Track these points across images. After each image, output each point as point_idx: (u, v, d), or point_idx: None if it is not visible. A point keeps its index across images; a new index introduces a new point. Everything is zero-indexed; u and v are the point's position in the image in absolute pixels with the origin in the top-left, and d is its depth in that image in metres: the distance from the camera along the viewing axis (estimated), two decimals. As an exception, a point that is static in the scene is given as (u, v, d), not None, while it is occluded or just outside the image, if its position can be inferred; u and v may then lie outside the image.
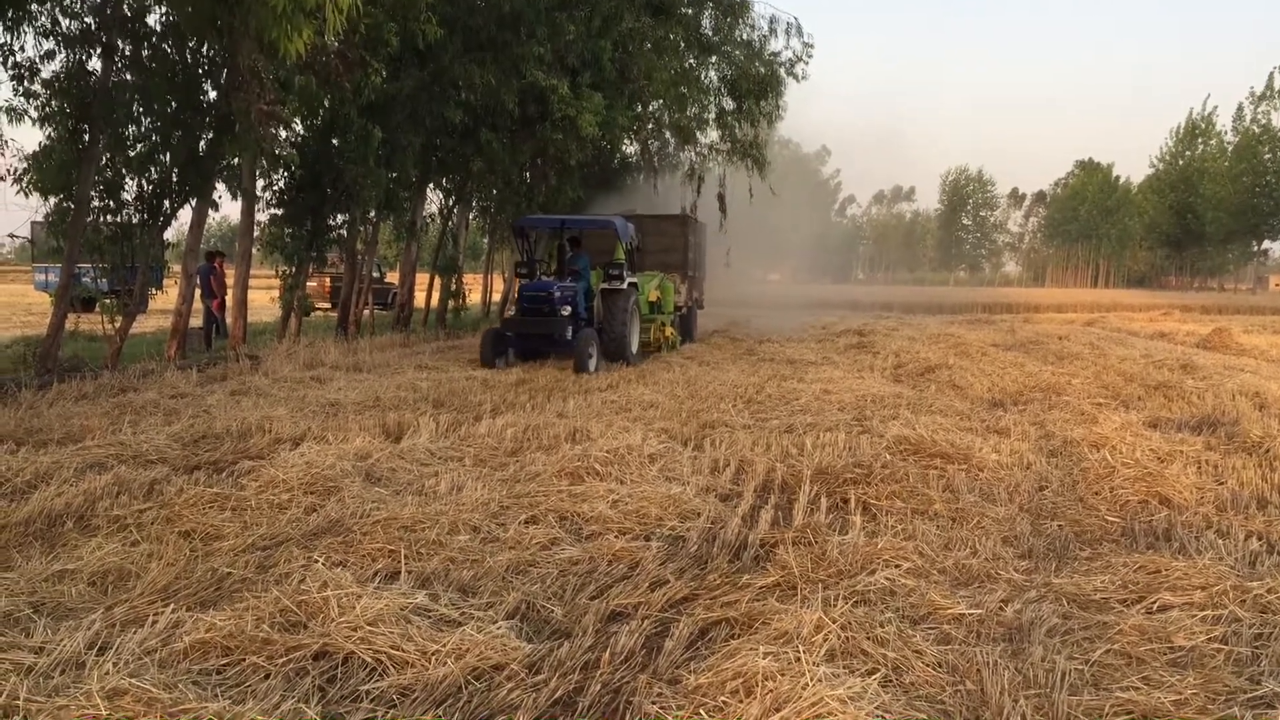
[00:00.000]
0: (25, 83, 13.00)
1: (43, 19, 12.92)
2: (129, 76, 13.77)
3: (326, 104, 17.01)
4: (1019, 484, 7.70)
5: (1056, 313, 45.17)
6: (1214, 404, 11.49)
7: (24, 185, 13.25)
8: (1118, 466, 7.79)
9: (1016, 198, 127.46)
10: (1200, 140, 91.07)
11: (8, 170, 13.09)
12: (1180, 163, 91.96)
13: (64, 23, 13.13)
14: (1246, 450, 8.95)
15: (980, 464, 8.10)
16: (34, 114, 13.10)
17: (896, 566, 5.48)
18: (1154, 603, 5.04)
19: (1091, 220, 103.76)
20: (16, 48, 12.78)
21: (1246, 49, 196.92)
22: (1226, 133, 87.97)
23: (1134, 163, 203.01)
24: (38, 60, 13.06)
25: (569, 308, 16.08)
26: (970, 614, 4.86)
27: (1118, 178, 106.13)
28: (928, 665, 4.25)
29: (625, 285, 17.09)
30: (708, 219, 26.98)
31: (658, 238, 22.31)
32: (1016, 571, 5.60)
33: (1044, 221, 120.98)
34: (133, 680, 3.73)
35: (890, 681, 4.09)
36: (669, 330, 20.05)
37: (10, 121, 13.02)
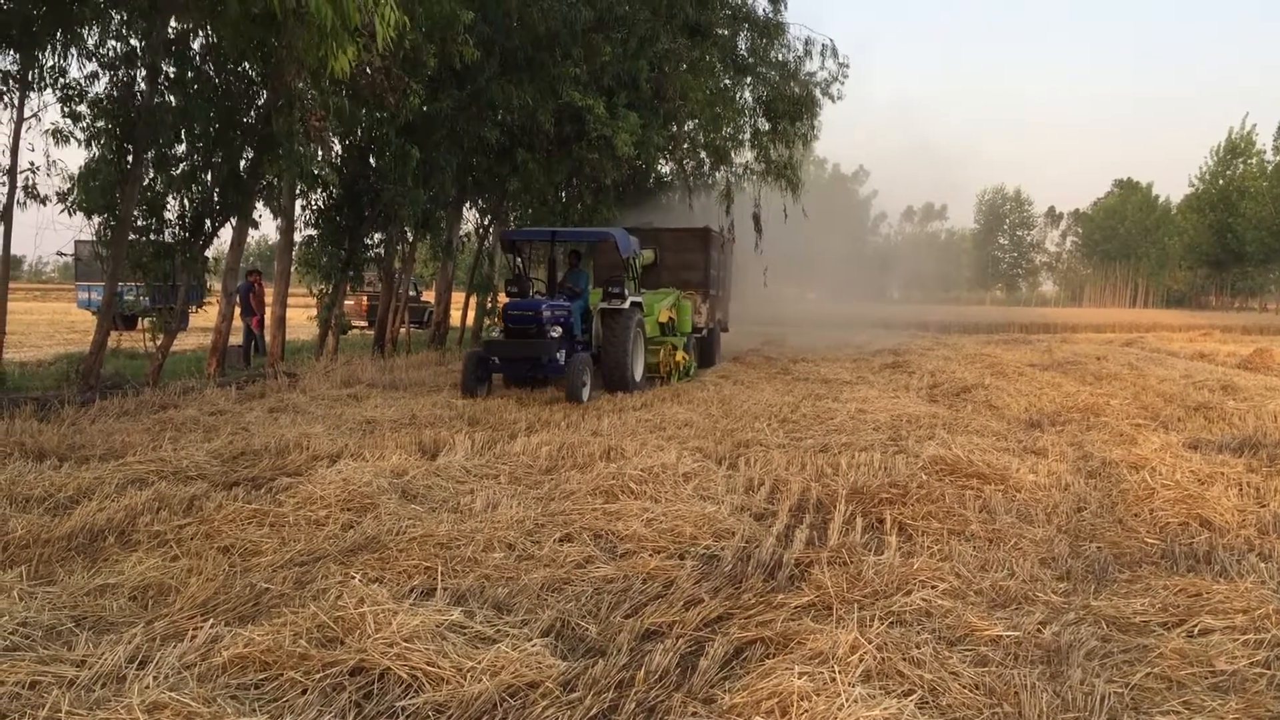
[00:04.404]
0: (72, 104, 13.29)
1: (90, 42, 13.21)
2: (172, 98, 14.02)
3: (363, 124, 17.20)
4: (1057, 505, 7.62)
5: (1094, 332, 44.77)
6: (1255, 425, 11.34)
7: (69, 205, 13.53)
8: (1157, 488, 7.70)
9: (1053, 216, 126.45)
10: (1240, 159, 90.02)
11: (54, 191, 13.37)
12: (1220, 182, 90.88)
13: (110, 45, 13.40)
14: (1290, 472, 8.81)
15: (1017, 485, 8.02)
16: (80, 135, 13.39)
17: (933, 587, 5.44)
18: (1195, 626, 4.97)
19: (1130, 239, 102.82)
20: (65, 67, 13.08)
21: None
22: (1266, 151, 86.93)
23: (1174, 181, 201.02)
24: (83, 81, 13.38)
25: (560, 328, 14.49)
26: (1008, 636, 4.82)
27: (1157, 196, 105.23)
28: (964, 687, 4.21)
29: (627, 305, 15.42)
30: (743, 238, 26.77)
31: (676, 253, 20.90)
32: (1054, 593, 5.54)
33: (1082, 240, 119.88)
34: (172, 694, 3.77)
35: (926, 703, 4.06)
36: (680, 355, 17.76)
37: (57, 143, 13.29)
